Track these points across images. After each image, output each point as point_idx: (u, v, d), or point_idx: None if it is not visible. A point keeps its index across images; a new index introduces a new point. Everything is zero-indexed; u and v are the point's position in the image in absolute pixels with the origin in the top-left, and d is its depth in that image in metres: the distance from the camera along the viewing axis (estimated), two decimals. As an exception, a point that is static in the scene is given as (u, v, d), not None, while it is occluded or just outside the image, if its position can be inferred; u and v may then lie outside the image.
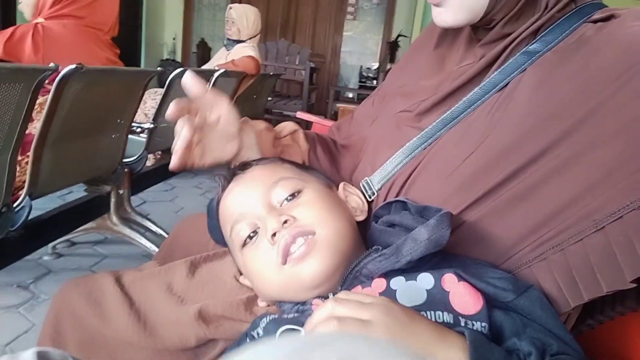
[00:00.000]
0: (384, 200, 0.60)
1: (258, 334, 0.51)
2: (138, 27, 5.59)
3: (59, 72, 1.13)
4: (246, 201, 0.54)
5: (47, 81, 1.09)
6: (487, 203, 0.50)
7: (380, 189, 0.61)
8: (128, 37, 5.38)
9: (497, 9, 0.51)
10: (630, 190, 0.42)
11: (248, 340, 0.52)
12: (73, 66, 1.14)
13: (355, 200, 0.59)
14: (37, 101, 1.14)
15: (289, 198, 0.53)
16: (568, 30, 0.50)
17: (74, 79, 1.18)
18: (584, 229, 0.44)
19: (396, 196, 0.58)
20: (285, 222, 0.50)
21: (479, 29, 0.56)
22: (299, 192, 0.54)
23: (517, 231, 0.48)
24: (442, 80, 0.59)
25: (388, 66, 5.49)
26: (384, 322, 0.37)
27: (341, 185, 0.61)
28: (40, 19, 1.36)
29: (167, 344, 0.57)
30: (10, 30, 1.28)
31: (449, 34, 0.63)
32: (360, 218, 0.57)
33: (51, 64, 1.08)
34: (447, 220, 0.47)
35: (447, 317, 0.43)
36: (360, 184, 0.64)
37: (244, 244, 0.53)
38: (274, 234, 0.49)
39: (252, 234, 0.53)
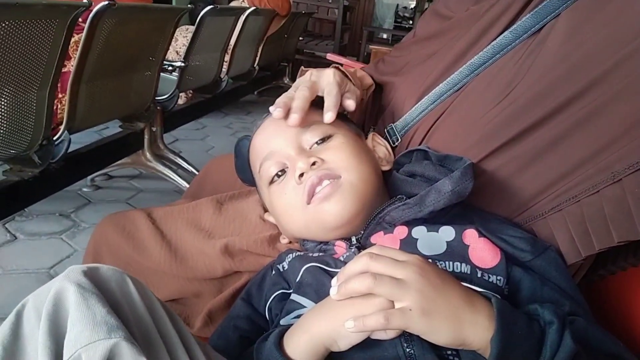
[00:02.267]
0: (407, 146, 0.60)
1: (283, 267, 0.54)
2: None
3: (92, 10, 1.14)
4: (277, 140, 0.55)
5: (80, 19, 1.11)
6: (508, 152, 0.50)
7: (403, 135, 0.61)
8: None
9: None
10: None
11: (273, 272, 0.55)
12: (105, 3, 1.15)
13: (383, 150, 0.60)
14: (73, 39, 1.17)
15: (319, 142, 0.54)
16: None
17: (106, 16, 1.19)
18: (601, 180, 0.44)
19: (420, 142, 0.59)
20: (313, 163, 0.51)
21: None
22: (329, 137, 0.55)
23: (537, 183, 0.48)
24: (469, 21, 0.58)
25: (426, 5, 5.25)
26: (417, 282, 0.37)
27: (370, 134, 0.61)
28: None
29: (197, 273, 0.61)
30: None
31: None
32: (386, 168, 0.58)
33: (84, 0, 1.09)
34: (470, 171, 0.47)
35: (465, 268, 0.45)
36: (385, 130, 0.64)
37: (272, 182, 0.55)
38: (302, 174, 0.51)
39: (280, 173, 0.54)
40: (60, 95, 1.39)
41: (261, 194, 0.60)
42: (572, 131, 0.45)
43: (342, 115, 0.62)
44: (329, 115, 0.54)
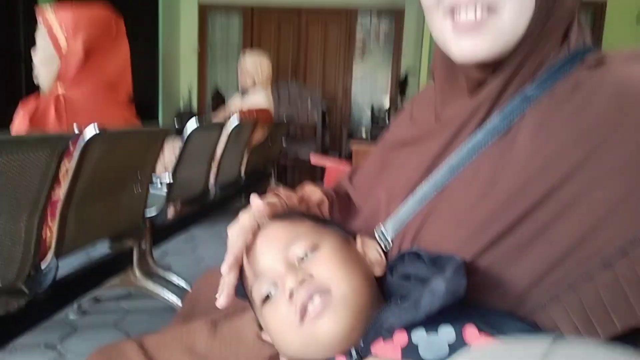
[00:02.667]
0: (398, 249, 0.60)
1: None
2: (155, 82, 5.81)
3: (82, 138, 1.19)
4: (265, 259, 0.55)
5: (70, 147, 1.15)
6: (499, 248, 0.50)
7: (394, 238, 0.62)
8: (145, 92, 5.58)
9: (525, 42, 0.52)
10: (634, 226, 0.42)
11: None
12: (96, 130, 1.20)
13: (374, 254, 0.60)
14: (63, 167, 1.20)
15: (306, 255, 0.54)
16: (562, 74, 0.51)
17: (97, 142, 1.24)
18: (593, 267, 0.44)
19: (410, 244, 0.59)
20: (302, 280, 0.51)
21: (473, 71, 0.56)
22: (316, 247, 0.55)
23: (530, 274, 0.48)
24: (443, 126, 0.61)
25: (399, 103, 5.57)
26: None
27: (359, 238, 0.61)
28: (60, 90, 1.44)
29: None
30: (34, 103, 1.36)
31: (442, 83, 0.64)
32: (379, 273, 0.57)
33: (74, 130, 1.14)
34: (462, 269, 0.47)
35: None
36: (375, 234, 0.65)
37: (264, 302, 0.54)
38: (292, 293, 0.51)
39: (271, 292, 0.54)
40: (50, 223, 1.40)
41: (256, 314, 0.58)
42: (555, 221, 0.47)
43: (326, 221, 0.62)
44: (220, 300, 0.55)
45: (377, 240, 0.63)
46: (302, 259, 0.54)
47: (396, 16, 5.95)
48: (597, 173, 0.45)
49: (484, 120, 0.56)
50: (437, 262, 0.53)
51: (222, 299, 0.55)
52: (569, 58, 0.52)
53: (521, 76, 0.53)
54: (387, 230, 0.62)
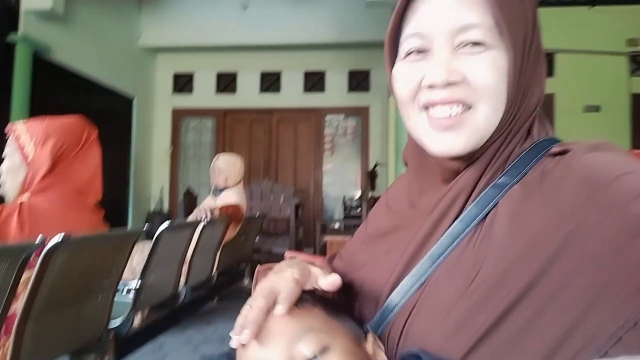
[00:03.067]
0: (385, 344, 0.58)
1: None
2: (126, 184, 5.82)
3: (45, 246, 1.15)
4: (267, 353, 0.50)
5: (32, 256, 1.10)
6: (488, 344, 0.48)
7: (381, 334, 0.59)
8: (116, 195, 5.56)
9: (497, 136, 0.54)
10: (620, 311, 0.42)
11: None
12: (59, 238, 1.16)
13: (382, 356, 0.56)
14: (22, 278, 1.14)
15: (315, 357, 0.50)
16: (530, 163, 0.54)
17: (60, 250, 1.20)
18: (589, 356, 0.43)
19: (397, 340, 0.57)
20: None
21: (448, 162, 0.57)
22: (326, 350, 0.50)
23: None
24: (422, 214, 0.61)
25: (370, 194, 5.69)
26: None
27: (370, 336, 0.57)
28: (25, 197, 1.42)
29: None
30: (-6, 214, 1.33)
31: (416, 172, 0.66)
32: None
33: (38, 239, 1.10)
34: None
35: None
36: (363, 330, 0.62)
37: None
38: None
39: None
40: (3, 339, 1.29)
41: None
42: (542, 313, 0.45)
43: (338, 311, 0.59)
44: (278, 308, 0.51)
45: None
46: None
47: (362, 113, 6.29)
48: (576, 260, 0.45)
49: (461, 210, 0.57)
50: None
51: (245, 332, 0.49)
52: (535, 148, 0.55)
53: (493, 167, 0.55)
54: (372, 326, 0.60)
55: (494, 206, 0.53)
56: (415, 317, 0.55)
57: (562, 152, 0.53)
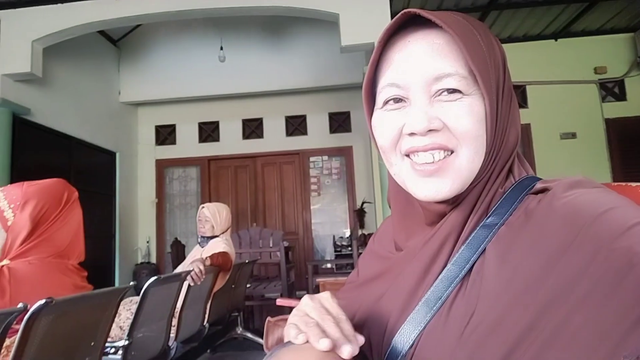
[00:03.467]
0: None
1: None
2: (112, 238, 5.72)
3: (27, 311, 1.11)
4: None
5: (15, 322, 1.07)
6: None
7: None
8: (102, 250, 5.46)
9: (480, 178, 0.55)
10: (619, 349, 0.41)
11: None
12: (42, 302, 1.13)
13: None
14: (4, 344, 1.10)
15: None
16: (514, 203, 0.54)
17: (43, 314, 1.16)
18: None
19: None
20: None
21: (433, 206, 0.58)
22: None
23: None
24: (410, 257, 0.61)
25: (359, 232, 5.67)
26: None
27: None
28: (5, 261, 1.39)
29: None
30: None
31: (401, 216, 0.66)
32: None
33: (19, 304, 1.07)
34: None
35: None
36: None
37: None
38: None
39: None
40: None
41: None
42: (541, 356, 0.45)
43: None
44: (347, 349, 0.47)
45: None
46: None
47: (345, 153, 6.36)
48: (570, 303, 0.44)
49: (451, 252, 0.57)
50: None
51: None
52: (517, 187, 0.56)
53: (480, 208, 0.56)
54: None
55: (483, 250, 0.53)
56: None
57: (543, 190, 0.53)
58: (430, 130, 0.53)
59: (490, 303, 0.49)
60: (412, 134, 0.54)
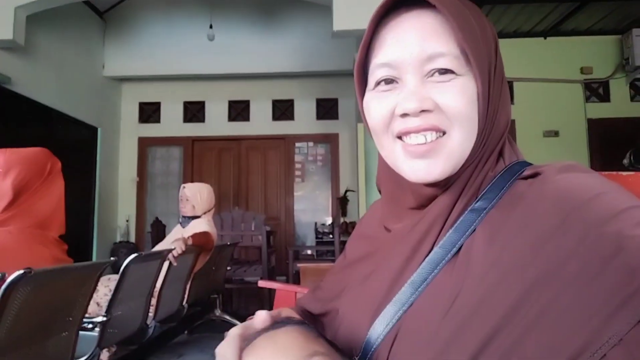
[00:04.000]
0: None
1: None
2: (90, 214, 5.63)
3: (4, 280, 1.09)
4: None
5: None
6: None
7: None
8: (80, 226, 5.37)
9: (471, 161, 0.54)
10: (604, 330, 0.42)
11: None
12: (21, 272, 1.11)
13: None
14: (-22, 314, 1.08)
15: None
16: (504, 187, 0.54)
17: (21, 284, 1.14)
18: None
19: None
20: None
21: (423, 188, 0.58)
22: None
23: None
24: (398, 240, 0.61)
25: (342, 220, 5.69)
26: None
27: None
28: (-17, 229, 1.36)
29: None
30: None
31: (391, 198, 0.66)
32: None
33: (-3, 274, 1.04)
34: None
35: None
36: None
37: None
38: None
39: None
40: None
41: None
42: (527, 335, 0.45)
43: (336, 346, 0.58)
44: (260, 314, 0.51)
45: None
46: None
47: (331, 140, 6.35)
48: (557, 283, 0.44)
49: (438, 235, 0.57)
50: None
51: None
52: (507, 172, 0.56)
53: (469, 191, 0.56)
54: (360, 356, 0.59)
55: (472, 231, 0.54)
56: (399, 346, 0.54)
57: (534, 175, 0.54)
58: (422, 111, 0.53)
59: (477, 283, 0.49)
60: (404, 115, 0.54)
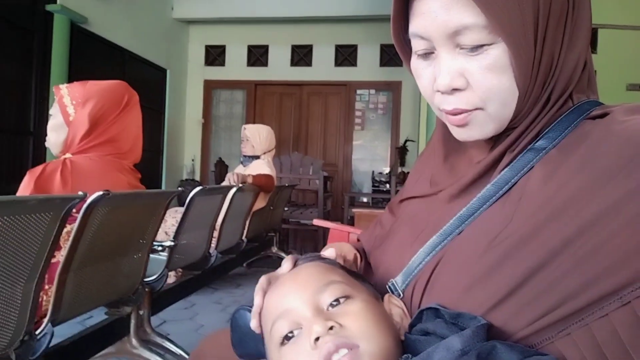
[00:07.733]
0: (410, 300, 0.59)
1: None
2: (160, 153, 5.95)
3: (86, 201, 1.20)
4: (293, 299, 0.53)
5: (74, 210, 1.16)
6: (511, 300, 0.49)
7: (404, 289, 0.61)
8: (150, 162, 5.70)
9: (522, 115, 0.54)
10: None
11: None
12: (100, 193, 1.22)
13: (399, 313, 0.57)
14: (64, 230, 1.20)
15: (336, 302, 0.52)
16: (569, 127, 0.53)
17: (101, 204, 1.25)
18: (607, 304, 0.43)
19: (421, 295, 0.58)
20: (331, 328, 0.49)
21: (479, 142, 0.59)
22: (347, 297, 0.53)
23: (541, 322, 0.47)
24: (456, 179, 0.62)
25: (399, 169, 5.65)
26: None
27: (386, 297, 0.59)
28: (67, 155, 1.48)
29: None
30: (40, 167, 1.39)
31: (449, 143, 0.67)
32: (402, 336, 0.54)
33: (79, 193, 1.15)
34: (483, 332, 0.46)
35: None
36: (387, 286, 0.64)
37: (283, 342, 0.52)
38: (317, 338, 0.48)
39: (291, 333, 0.51)
40: (46, 287, 1.37)
41: (271, 354, 0.56)
42: (571, 273, 0.45)
43: (358, 275, 0.61)
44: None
45: (387, 292, 0.62)
46: (332, 305, 0.52)
47: (393, 88, 6.20)
48: (614, 223, 0.44)
49: (493, 172, 0.57)
50: (457, 319, 0.51)
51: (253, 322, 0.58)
52: (574, 111, 0.54)
53: (530, 132, 0.55)
54: (398, 281, 0.62)
55: (529, 169, 0.53)
56: (439, 274, 0.56)
57: (603, 115, 0.52)
58: (454, 90, 0.53)
59: (528, 215, 0.50)
60: (438, 91, 0.55)
